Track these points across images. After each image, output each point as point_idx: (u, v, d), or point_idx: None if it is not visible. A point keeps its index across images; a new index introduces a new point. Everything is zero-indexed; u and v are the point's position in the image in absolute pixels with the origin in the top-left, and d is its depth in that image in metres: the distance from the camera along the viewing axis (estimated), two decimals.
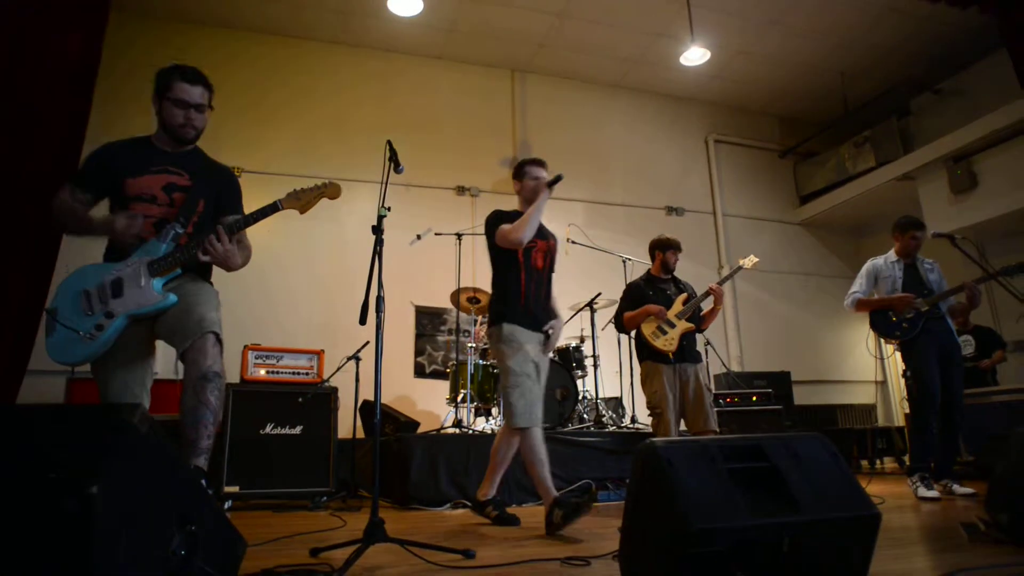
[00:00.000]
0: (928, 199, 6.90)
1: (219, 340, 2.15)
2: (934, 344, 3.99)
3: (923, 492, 3.77)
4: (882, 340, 4.29)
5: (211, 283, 2.42)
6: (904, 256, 4.24)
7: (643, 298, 4.04)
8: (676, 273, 4.24)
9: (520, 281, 2.98)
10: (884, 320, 4.16)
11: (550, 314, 3.10)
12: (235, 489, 3.79)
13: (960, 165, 6.50)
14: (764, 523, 1.44)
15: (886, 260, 4.30)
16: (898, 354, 4.28)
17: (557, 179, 2.99)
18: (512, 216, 3.06)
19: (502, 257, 3.04)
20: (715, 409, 3.96)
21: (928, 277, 4.19)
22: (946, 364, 3.97)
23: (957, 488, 3.82)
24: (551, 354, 3.20)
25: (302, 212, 2.40)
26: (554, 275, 3.19)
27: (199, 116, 2.34)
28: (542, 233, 3.10)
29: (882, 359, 4.11)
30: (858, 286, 4.30)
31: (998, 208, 6.23)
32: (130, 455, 1.23)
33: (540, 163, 3.12)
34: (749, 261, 4.31)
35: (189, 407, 2.05)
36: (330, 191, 2.41)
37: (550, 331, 3.06)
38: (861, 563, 1.54)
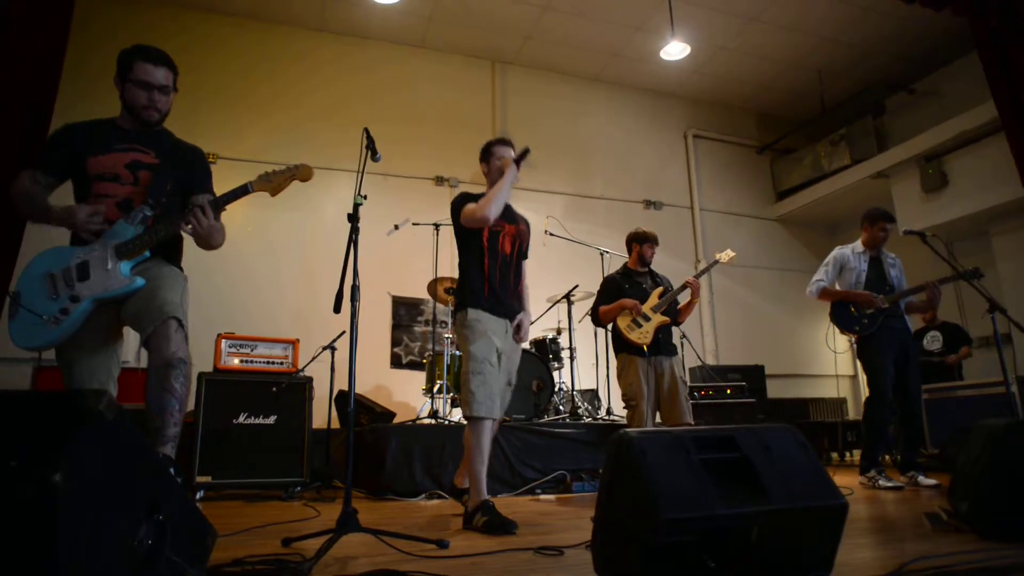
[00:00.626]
0: (900, 197, 7.03)
1: (182, 325, 2.10)
2: (891, 341, 4.07)
3: (884, 483, 3.86)
4: (840, 333, 4.33)
5: (180, 268, 2.37)
6: (871, 247, 4.29)
7: (619, 291, 4.06)
8: (653, 267, 4.26)
9: (484, 266, 2.84)
10: (845, 313, 4.20)
11: (519, 303, 2.98)
12: (207, 479, 3.75)
13: (932, 164, 6.63)
14: (735, 512, 1.46)
15: (853, 250, 4.33)
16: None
17: (524, 153, 2.88)
18: (479, 199, 2.94)
19: (467, 241, 2.92)
20: (690, 402, 4.00)
21: (890, 272, 4.26)
22: (904, 361, 4.07)
23: (922, 479, 3.92)
24: (524, 345, 3.08)
25: (273, 195, 2.35)
26: (526, 262, 3.08)
27: (163, 98, 2.28)
28: (511, 217, 2.99)
29: (852, 350, 4.18)
30: (823, 274, 4.31)
31: (967, 207, 6.37)
32: (95, 442, 1.20)
33: (506, 142, 3.01)
34: (726, 255, 4.33)
35: (154, 395, 2.01)
36: (301, 173, 2.35)
37: (518, 326, 2.94)
38: (828, 551, 1.57)
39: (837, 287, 4.30)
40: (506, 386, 2.90)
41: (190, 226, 2.16)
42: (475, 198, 2.92)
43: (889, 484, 3.84)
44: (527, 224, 3.09)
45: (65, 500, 1.08)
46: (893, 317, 4.12)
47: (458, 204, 2.92)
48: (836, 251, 4.38)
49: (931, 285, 4.05)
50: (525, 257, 3.07)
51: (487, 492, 2.67)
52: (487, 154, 3.02)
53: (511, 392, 2.97)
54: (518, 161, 2.88)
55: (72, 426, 1.19)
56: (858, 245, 4.35)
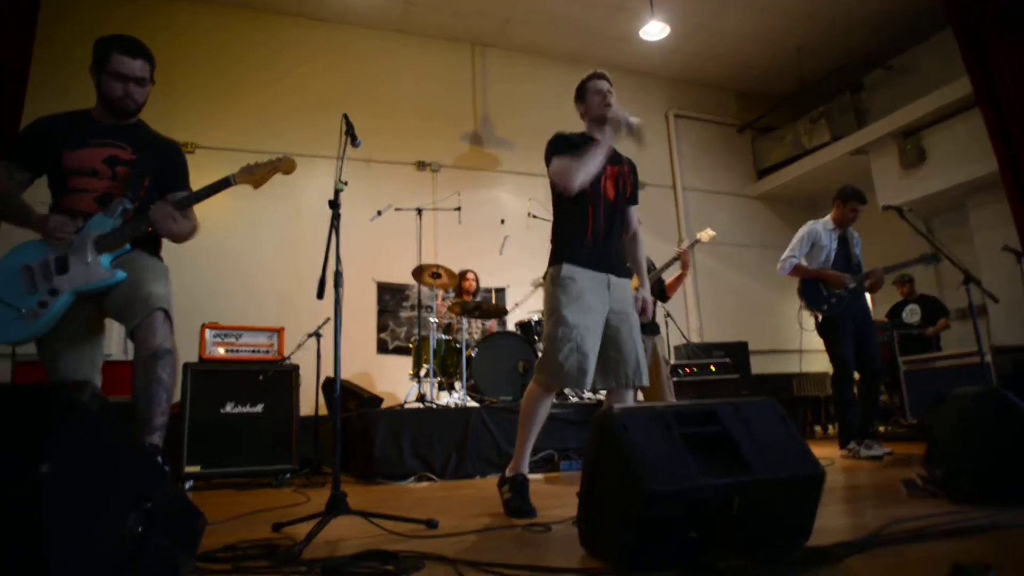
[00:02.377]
0: (879, 173, 7.10)
1: (168, 316, 2.10)
2: (852, 320, 4.15)
3: (865, 452, 3.94)
4: (805, 309, 4.36)
5: (161, 258, 2.36)
6: (839, 225, 4.33)
7: None
8: None
9: (587, 214, 2.50)
10: (815, 291, 4.25)
11: (627, 256, 2.66)
12: (196, 469, 3.75)
13: (910, 140, 6.70)
14: (716, 484, 1.49)
15: (824, 227, 4.34)
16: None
17: (631, 127, 2.51)
18: (576, 141, 2.57)
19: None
20: (673, 380, 4.04)
21: (855, 252, 4.33)
22: (863, 336, 4.16)
23: (863, 451, 3.97)
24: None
25: (256, 187, 2.35)
26: (635, 208, 2.72)
27: (140, 90, 2.24)
28: (614, 158, 2.64)
29: (823, 331, 4.27)
30: (796, 250, 4.31)
31: (944, 182, 6.46)
32: (79, 434, 1.20)
33: (601, 75, 2.69)
34: (706, 235, 4.34)
35: (141, 386, 2.01)
36: (284, 166, 2.35)
37: (642, 303, 2.61)
38: (807, 518, 1.62)
39: (805, 263, 4.33)
40: (624, 357, 2.47)
41: (156, 224, 2.15)
42: (570, 141, 2.58)
43: (870, 453, 3.93)
44: (632, 165, 2.74)
45: (51, 493, 1.09)
46: (856, 297, 4.20)
47: (549, 152, 2.57)
48: (808, 227, 4.38)
49: (876, 273, 4.15)
50: (634, 202, 2.72)
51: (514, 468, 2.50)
52: (582, 91, 2.72)
53: (630, 364, 2.48)
54: (629, 129, 2.52)
55: (56, 419, 1.19)
56: (828, 221, 4.36)
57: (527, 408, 2.49)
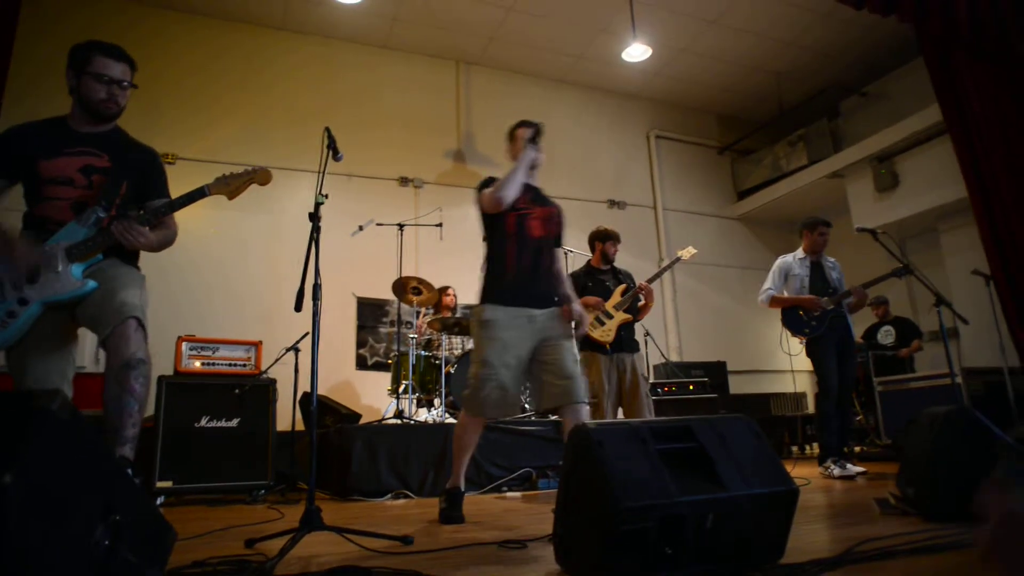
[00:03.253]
0: (855, 196, 7.25)
1: (142, 325, 2.06)
2: (835, 340, 4.27)
3: (838, 472, 4.00)
4: (791, 336, 4.49)
5: (137, 267, 2.32)
6: (811, 253, 4.49)
7: (582, 289, 4.10)
8: (617, 264, 4.33)
9: (508, 253, 2.66)
10: (794, 318, 4.39)
11: (556, 287, 2.77)
12: (168, 484, 3.68)
13: (884, 165, 6.86)
14: (691, 500, 1.50)
15: (795, 257, 4.53)
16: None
17: (536, 132, 2.76)
18: None
19: (491, 227, 2.74)
20: (652, 398, 4.07)
21: (831, 276, 4.46)
22: (842, 358, 4.28)
23: (836, 470, 4.04)
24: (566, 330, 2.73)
25: (231, 198, 2.33)
26: (559, 250, 2.87)
27: (122, 93, 2.23)
28: (542, 200, 2.83)
29: (809, 352, 4.42)
30: (771, 283, 4.50)
31: (917, 206, 6.61)
32: (48, 443, 1.18)
33: (528, 124, 2.87)
34: (687, 252, 4.43)
35: (113, 396, 1.97)
36: (260, 177, 2.33)
37: (571, 314, 2.72)
38: (780, 536, 1.63)
39: (785, 293, 4.46)
40: (563, 378, 2.59)
41: (120, 238, 2.12)
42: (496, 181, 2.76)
43: (844, 473, 3.97)
44: (559, 209, 2.89)
45: (16, 502, 1.07)
46: (836, 317, 4.31)
47: (478, 189, 2.78)
48: (780, 260, 4.57)
49: (856, 290, 4.29)
50: (559, 244, 2.86)
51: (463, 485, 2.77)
52: (511, 136, 2.92)
53: (573, 382, 2.60)
54: (532, 140, 2.75)
55: (24, 427, 1.17)
56: (799, 252, 4.55)
57: (458, 433, 2.75)
